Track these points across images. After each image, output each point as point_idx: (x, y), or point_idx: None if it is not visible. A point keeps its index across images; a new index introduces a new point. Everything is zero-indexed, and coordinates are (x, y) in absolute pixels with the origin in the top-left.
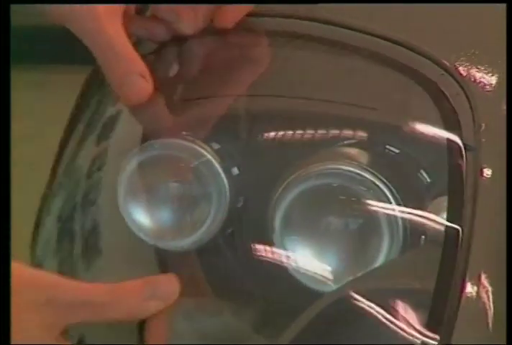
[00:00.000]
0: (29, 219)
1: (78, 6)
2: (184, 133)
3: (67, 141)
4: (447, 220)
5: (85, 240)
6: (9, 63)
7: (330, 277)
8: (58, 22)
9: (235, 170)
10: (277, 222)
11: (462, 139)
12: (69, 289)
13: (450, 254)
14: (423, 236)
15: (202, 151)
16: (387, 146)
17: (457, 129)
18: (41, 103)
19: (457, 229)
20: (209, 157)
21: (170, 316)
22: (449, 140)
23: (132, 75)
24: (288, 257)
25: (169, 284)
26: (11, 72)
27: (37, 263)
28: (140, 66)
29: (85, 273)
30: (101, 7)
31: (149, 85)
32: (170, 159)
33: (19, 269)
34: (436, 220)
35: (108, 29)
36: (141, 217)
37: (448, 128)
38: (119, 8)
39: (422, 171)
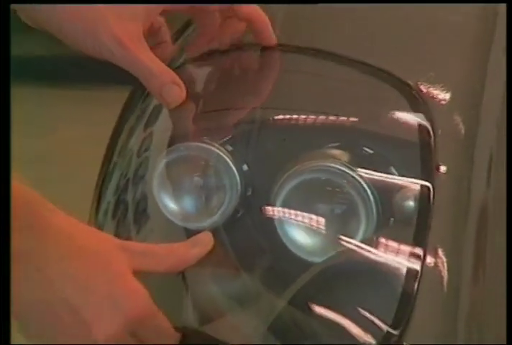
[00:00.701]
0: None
1: (106, 39)
2: (204, 138)
3: (121, 130)
4: (418, 204)
5: (136, 208)
6: (9, 63)
7: (319, 250)
8: (92, 55)
9: (245, 167)
10: (279, 208)
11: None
12: (139, 244)
13: (419, 231)
14: (392, 218)
15: (219, 152)
16: (364, 148)
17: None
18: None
19: (424, 211)
20: (224, 156)
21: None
22: (421, 136)
23: (167, 84)
24: (285, 234)
25: (205, 235)
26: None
27: (97, 227)
28: (172, 76)
29: (137, 235)
30: (124, 37)
31: (183, 91)
32: (193, 158)
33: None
34: (403, 205)
35: (135, 53)
36: (170, 204)
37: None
38: (139, 30)
39: (392, 167)
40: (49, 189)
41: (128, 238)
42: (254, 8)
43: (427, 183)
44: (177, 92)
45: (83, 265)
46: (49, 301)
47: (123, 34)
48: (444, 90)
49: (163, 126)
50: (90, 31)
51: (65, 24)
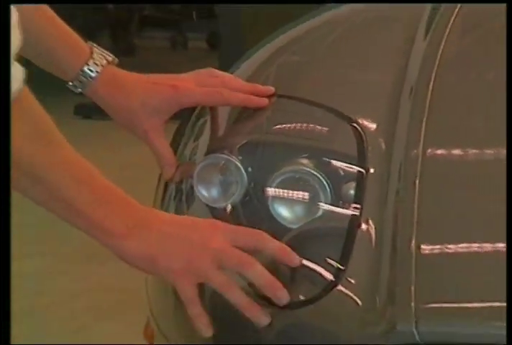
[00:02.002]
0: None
1: (139, 131)
2: (224, 151)
3: (179, 142)
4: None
5: (186, 194)
6: (9, 62)
7: (295, 220)
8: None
9: (249, 169)
10: (270, 194)
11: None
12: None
13: (357, 197)
14: (341, 201)
15: (233, 160)
16: (324, 158)
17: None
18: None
19: (360, 187)
20: (237, 163)
21: None
22: (358, 148)
23: (166, 165)
24: (274, 210)
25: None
26: None
27: (164, 207)
28: (171, 160)
29: (187, 212)
30: (150, 130)
31: (172, 170)
32: (218, 163)
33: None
34: (347, 187)
35: (154, 141)
36: (204, 192)
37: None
38: (162, 122)
39: (339, 168)
40: None
41: (182, 214)
42: (245, 98)
43: (362, 169)
44: (169, 171)
45: (178, 228)
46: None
47: (149, 128)
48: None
49: (204, 141)
50: (130, 124)
51: (115, 116)
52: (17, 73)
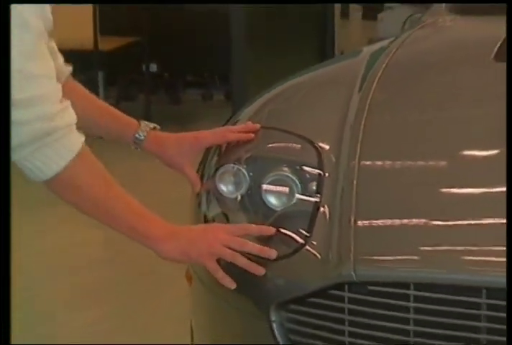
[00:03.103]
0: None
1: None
2: (235, 161)
3: (207, 158)
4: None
5: (208, 197)
6: (9, 62)
7: (279, 205)
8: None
9: (251, 173)
10: (264, 189)
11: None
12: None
13: (318, 190)
14: (308, 193)
15: (241, 168)
16: (296, 166)
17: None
18: None
19: (320, 182)
20: (244, 170)
21: None
22: (318, 160)
23: (194, 185)
24: (266, 198)
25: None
26: None
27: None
28: (198, 184)
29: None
30: (184, 166)
31: (198, 186)
32: (231, 171)
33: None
34: (311, 189)
35: (188, 171)
36: (223, 188)
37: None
38: (194, 156)
39: (306, 172)
40: None
41: (209, 205)
42: (238, 136)
43: (321, 173)
44: (197, 188)
45: (197, 233)
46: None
47: (183, 165)
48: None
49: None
50: (171, 163)
51: (162, 159)
52: (78, 139)
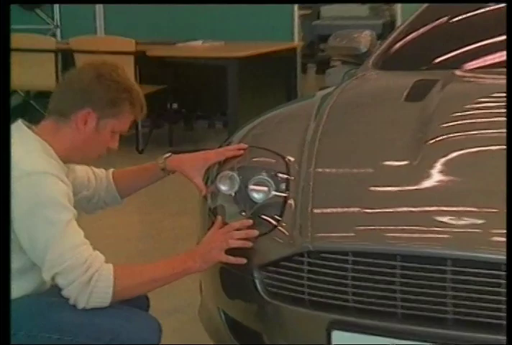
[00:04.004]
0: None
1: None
2: (229, 169)
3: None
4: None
5: (213, 195)
6: (9, 62)
7: (262, 198)
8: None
9: (241, 177)
10: (249, 188)
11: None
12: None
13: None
14: (279, 191)
15: (234, 174)
16: (272, 172)
17: None
18: None
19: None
20: (236, 176)
21: None
22: (286, 166)
23: (200, 191)
24: (251, 194)
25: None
26: None
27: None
28: (204, 190)
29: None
30: (195, 177)
31: (204, 191)
32: (227, 176)
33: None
34: (282, 188)
35: (194, 178)
36: (222, 187)
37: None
38: (203, 169)
39: (279, 175)
40: None
41: (215, 201)
42: (233, 153)
43: (288, 177)
44: (203, 193)
45: (205, 245)
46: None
47: (194, 176)
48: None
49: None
50: (187, 175)
51: (181, 173)
52: (109, 271)
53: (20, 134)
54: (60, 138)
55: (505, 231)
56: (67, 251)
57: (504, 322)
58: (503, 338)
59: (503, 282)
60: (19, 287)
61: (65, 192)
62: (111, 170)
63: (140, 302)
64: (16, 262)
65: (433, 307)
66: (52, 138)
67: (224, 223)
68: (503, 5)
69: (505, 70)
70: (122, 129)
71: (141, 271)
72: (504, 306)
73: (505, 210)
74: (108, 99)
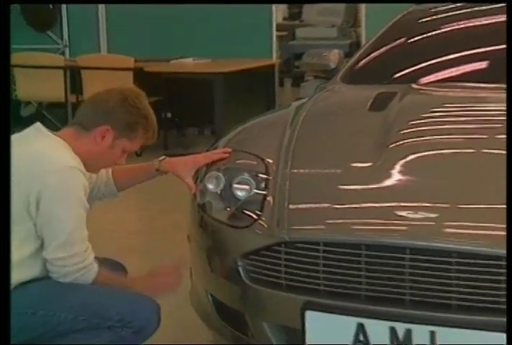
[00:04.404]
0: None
1: (181, 172)
2: (216, 169)
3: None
4: None
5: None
6: (9, 62)
7: (244, 194)
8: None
9: (226, 177)
10: (233, 186)
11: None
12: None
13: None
14: (259, 189)
15: (220, 175)
16: (253, 173)
17: None
18: None
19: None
20: (222, 176)
21: None
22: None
23: (190, 189)
24: (237, 189)
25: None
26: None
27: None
28: (193, 188)
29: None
30: (185, 177)
31: (194, 189)
32: (214, 176)
33: None
34: (262, 186)
35: (185, 177)
36: (210, 186)
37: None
38: (193, 168)
39: (259, 175)
40: None
41: (203, 199)
42: (219, 156)
43: (268, 177)
44: (193, 190)
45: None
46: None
47: (185, 176)
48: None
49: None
50: (178, 175)
51: (173, 173)
52: (95, 267)
53: (42, 133)
54: (78, 145)
55: (455, 223)
56: (77, 243)
57: (453, 302)
58: (451, 315)
59: (453, 267)
60: (35, 270)
61: (85, 186)
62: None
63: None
64: (30, 247)
65: (393, 289)
66: (71, 143)
67: (210, 217)
68: (458, 26)
69: (455, 84)
70: (132, 150)
71: (115, 279)
72: (454, 288)
73: (459, 206)
74: (127, 122)
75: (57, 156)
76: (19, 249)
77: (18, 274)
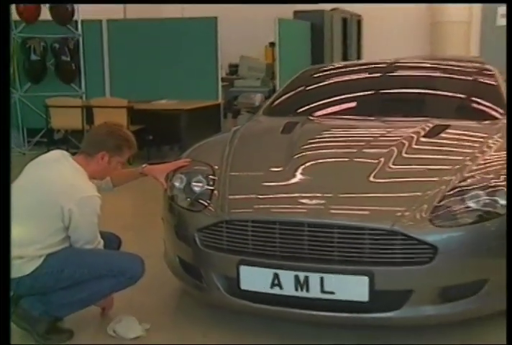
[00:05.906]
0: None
1: (157, 174)
2: (180, 173)
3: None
4: None
5: (171, 188)
6: (9, 62)
7: (199, 191)
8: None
9: (185, 178)
10: (192, 185)
11: None
12: None
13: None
14: (209, 186)
15: (182, 176)
16: (206, 175)
17: None
18: None
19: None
20: (183, 177)
21: None
22: None
23: (163, 186)
24: (193, 189)
25: None
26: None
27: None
28: (165, 184)
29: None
30: (159, 177)
31: (165, 186)
32: (179, 177)
33: None
34: (210, 184)
35: (159, 177)
36: (176, 184)
37: None
38: (166, 171)
39: None
40: None
41: (173, 193)
42: (183, 164)
43: (215, 178)
44: (165, 187)
45: None
46: None
47: (159, 177)
48: None
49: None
50: (154, 176)
51: (150, 174)
52: (101, 244)
53: (68, 160)
54: (89, 168)
55: (336, 206)
56: (95, 241)
57: (335, 258)
58: (333, 266)
59: (335, 235)
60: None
61: (99, 204)
62: None
63: (114, 242)
64: (62, 235)
65: (297, 250)
66: (85, 167)
67: (177, 205)
68: (339, 79)
69: (336, 116)
70: (123, 161)
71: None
72: (335, 249)
73: (339, 195)
74: (116, 145)
75: (85, 186)
76: (55, 236)
77: (52, 249)
